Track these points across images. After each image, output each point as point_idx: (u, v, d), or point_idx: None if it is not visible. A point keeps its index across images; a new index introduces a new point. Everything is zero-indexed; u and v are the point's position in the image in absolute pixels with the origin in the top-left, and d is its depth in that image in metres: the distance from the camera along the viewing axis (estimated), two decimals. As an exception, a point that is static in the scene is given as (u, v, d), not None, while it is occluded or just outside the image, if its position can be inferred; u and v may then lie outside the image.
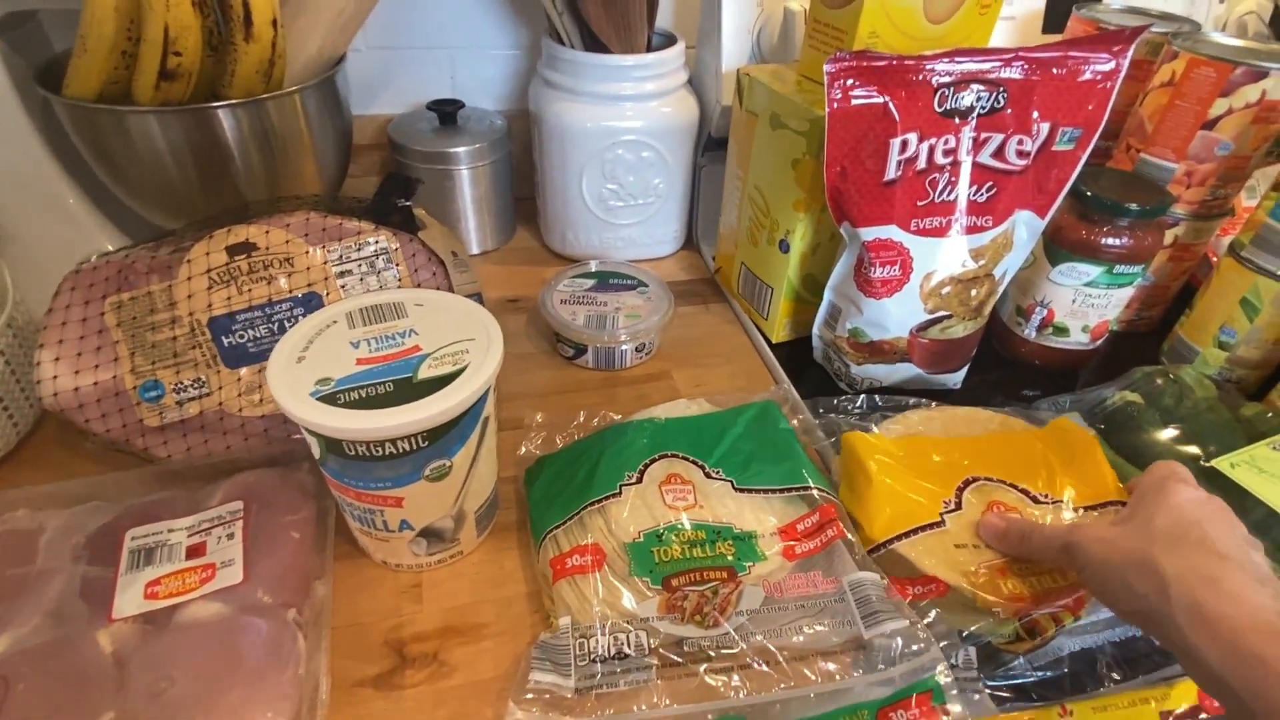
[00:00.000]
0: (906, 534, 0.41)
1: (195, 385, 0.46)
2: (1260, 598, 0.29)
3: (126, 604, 0.37)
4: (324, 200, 0.49)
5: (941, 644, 0.37)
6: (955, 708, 0.35)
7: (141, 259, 0.45)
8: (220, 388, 0.46)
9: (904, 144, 0.47)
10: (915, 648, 0.36)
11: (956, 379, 0.59)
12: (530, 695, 0.36)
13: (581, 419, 0.53)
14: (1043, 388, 0.61)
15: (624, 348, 0.60)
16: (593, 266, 0.66)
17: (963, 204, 0.49)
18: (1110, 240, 0.55)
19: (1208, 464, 0.47)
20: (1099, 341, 0.61)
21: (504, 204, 0.76)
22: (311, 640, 0.37)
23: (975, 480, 0.44)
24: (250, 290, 0.46)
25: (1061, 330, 0.59)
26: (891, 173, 0.48)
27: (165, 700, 0.33)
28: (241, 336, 0.46)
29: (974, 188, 0.49)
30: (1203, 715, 0.40)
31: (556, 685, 0.36)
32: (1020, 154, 0.48)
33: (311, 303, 0.47)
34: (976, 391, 0.61)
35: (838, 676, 0.36)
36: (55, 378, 0.44)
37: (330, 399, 0.36)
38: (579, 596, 0.40)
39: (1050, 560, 0.39)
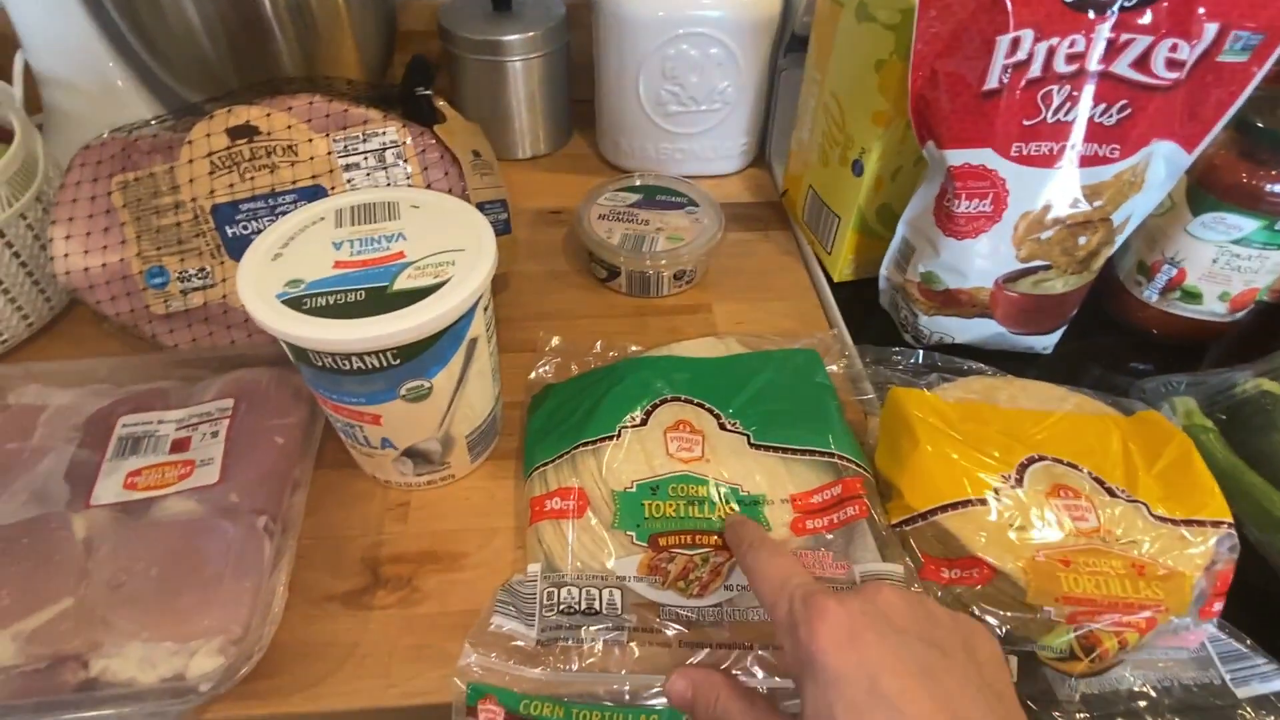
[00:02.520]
0: (954, 505, 0.35)
1: (200, 275, 0.44)
2: None
3: (105, 491, 0.37)
4: (335, 83, 0.45)
5: None
6: None
7: (144, 138, 0.42)
8: (224, 279, 0.44)
9: (1015, 43, 0.37)
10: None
11: (1048, 343, 0.50)
12: (489, 639, 0.34)
13: (599, 348, 0.48)
14: (1158, 363, 0.51)
15: (660, 273, 0.54)
16: (638, 180, 0.59)
17: (1082, 127, 0.39)
18: (1279, 187, 0.43)
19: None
20: (1240, 314, 0.49)
21: (559, 104, 0.70)
22: (277, 550, 0.36)
23: (1041, 459, 0.37)
24: (253, 178, 0.43)
25: (1192, 295, 0.49)
26: (994, 80, 0.38)
27: (122, 594, 0.33)
28: (245, 228, 0.44)
29: (1100, 107, 0.39)
30: None
31: (517, 632, 0.34)
32: (1171, 64, 0.37)
33: (316, 195, 0.44)
34: (1072, 360, 0.51)
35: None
36: (66, 256, 0.43)
37: (296, 303, 0.33)
38: (557, 540, 0.36)
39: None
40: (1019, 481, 0.36)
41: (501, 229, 0.49)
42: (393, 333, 0.32)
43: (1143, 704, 0.32)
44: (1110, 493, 0.36)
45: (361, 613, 0.37)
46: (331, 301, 0.33)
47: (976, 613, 0.33)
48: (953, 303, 0.47)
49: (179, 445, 0.39)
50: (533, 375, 0.47)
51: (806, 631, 0.25)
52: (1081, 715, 0.32)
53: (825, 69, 0.52)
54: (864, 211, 0.52)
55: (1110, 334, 0.54)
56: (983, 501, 0.35)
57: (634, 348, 0.48)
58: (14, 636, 0.31)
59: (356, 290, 0.33)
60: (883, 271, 0.51)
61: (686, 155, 0.66)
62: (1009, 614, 0.33)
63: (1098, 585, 0.32)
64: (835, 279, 0.56)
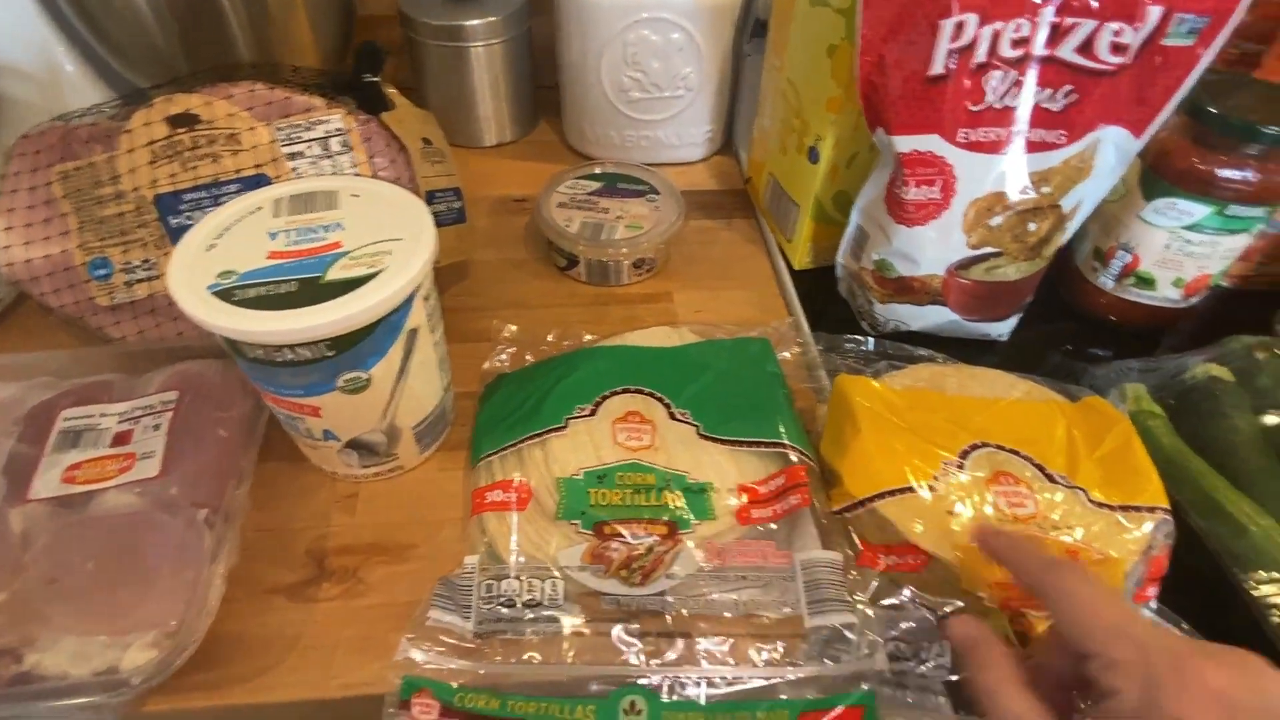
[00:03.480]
0: (892, 492, 0.35)
1: (144, 266, 0.44)
2: None
3: (44, 485, 0.36)
4: (280, 70, 0.44)
5: (913, 625, 0.32)
6: None
7: (83, 126, 0.42)
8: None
9: (959, 27, 0.37)
10: (857, 649, 0.31)
11: (1003, 329, 0.50)
12: (427, 633, 0.34)
13: (553, 338, 0.48)
14: (1115, 350, 0.52)
15: (620, 262, 0.53)
16: (598, 169, 0.59)
17: (1027, 113, 0.39)
18: (1230, 173, 0.43)
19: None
20: (1194, 299, 0.50)
21: (523, 90, 0.69)
22: (217, 542, 0.36)
23: (984, 445, 0.37)
24: (196, 167, 0.42)
25: (1146, 281, 0.49)
26: (939, 66, 0.38)
27: (57, 589, 0.33)
28: (189, 218, 0.43)
29: (1046, 92, 0.39)
30: None
31: (455, 625, 0.34)
32: (1116, 49, 0.37)
33: (260, 185, 0.43)
34: (1030, 347, 0.52)
35: (758, 664, 0.32)
36: (7, 247, 0.43)
37: (226, 294, 0.32)
38: (500, 533, 0.36)
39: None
40: (960, 468, 0.36)
41: (455, 217, 0.49)
42: (322, 324, 0.31)
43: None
44: (1050, 479, 0.36)
45: (306, 605, 0.37)
46: (263, 293, 0.32)
47: (914, 602, 0.34)
48: (906, 290, 0.47)
49: (120, 438, 0.39)
50: (486, 365, 0.47)
51: (1173, 698, 0.23)
52: None
53: (783, 55, 0.52)
54: (821, 199, 0.51)
55: (1069, 321, 0.54)
56: (921, 489, 0.35)
57: (588, 337, 0.48)
58: (-54, 632, 0.31)
59: (289, 281, 0.33)
60: (839, 259, 0.51)
61: (651, 142, 0.66)
62: (945, 600, 0.33)
63: None
64: (795, 266, 0.56)
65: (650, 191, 0.57)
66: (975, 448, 0.37)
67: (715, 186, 0.67)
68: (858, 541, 0.35)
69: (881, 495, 0.35)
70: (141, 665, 0.31)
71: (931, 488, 0.35)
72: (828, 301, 0.54)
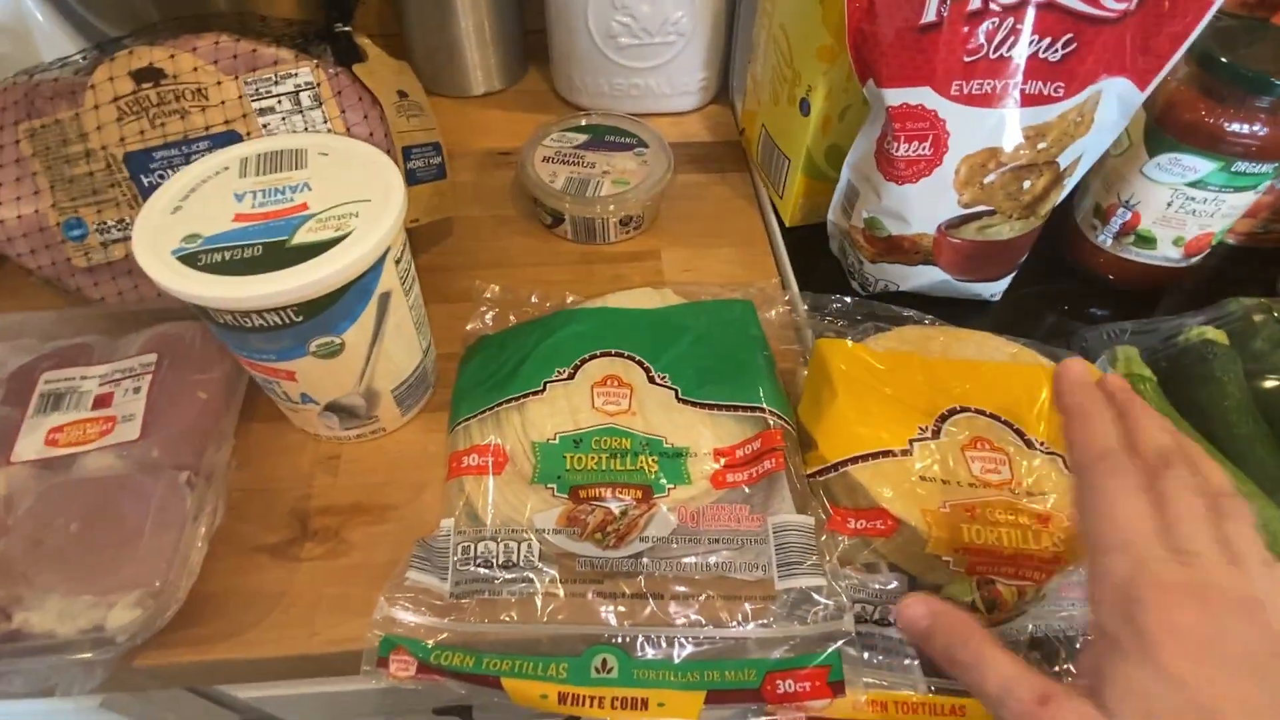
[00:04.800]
0: (866, 456, 0.35)
1: (119, 226, 0.43)
2: None
3: (26, 448, 0.37)
4: (248, 20, 0.42)
5: (887, 585, 0.33)
6: (857, 695, 0.30)
7: (46, 82, 0.40)
8: (145, 231, 0.43)
9: (953, -28, 0.35)
10: (825, 611, 0.31)
11: (996, 289, 0.49)
12: (405, 593, 0.34)
13: (536, 299, 0.47)
14: (1113, 310, 0.50)
15: (606, 219, 0.52)
16: (584, 120, 0.57)
17: (1023, 63, 0.37)
18: (1239, 126, 0.41)
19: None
20: (1195, 259, 0.48)
21: (511, 34, 0.67)
22: (199, 504, 0.36)
23: (963, 410, 0.37)
24: (164, 124, 0.41)
25: (1146, 240, 0.47)
26: (932, 13, 0.36)
27: (42, 550, 0.33)
28: (161, 177, 0.42)
29: (1045, 41, 0.36)
30: None
31: (433, 586, 0.34)
32: (1120, -7, 0.35)
33: (231, 142, 0.42)
34: (1023, 306, 0.51)
35: (730, 624, 0.32)
36: (-20, 207, 0.42)
37: (191, 259, 0.32)
38: (477, 494, 0.37)
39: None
40: (936, 433, 0.35)
41: (434, 174, 0.48)
42: (289, 289, 0.31)
43: (1040, 654, 0.32)
44: (1029, 444, 0.35)
45: (289, 564, 0.38)
46: (228, 257, 0.32)
47: (882, 567, 0.34)
48: (896, 249, 0.46)
49: (101, 401, 0.39)
50: (469, 326, 0.47)
51: (1155, 620, 0.22)
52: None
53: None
54: (812, 152, 0.50)
55: (1067, 280, 0.53)
56: (894, 453, 0.35)
57: (571, 298, 0.47)
58: (-66, 591, 0.32)
59: (254, 245, 0.32)
60: (829, 216, 0.50)
61: (642, 91, 0.64)
62: (917, 570, 0.33)
63: (999, 537, 0.32)
64: (787, 223, 0.55)
65: (639, 144, 0.56)
66: (954, 412, 0.36)
67: (709, 138, 0.65)
68: (828, 506, 0.35)
69: (855, 460, 0.34)
70: (126, 624, 0.32)
71: (905, 452, 0.34)
72: (819, 259, 0.53)
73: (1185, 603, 0.22)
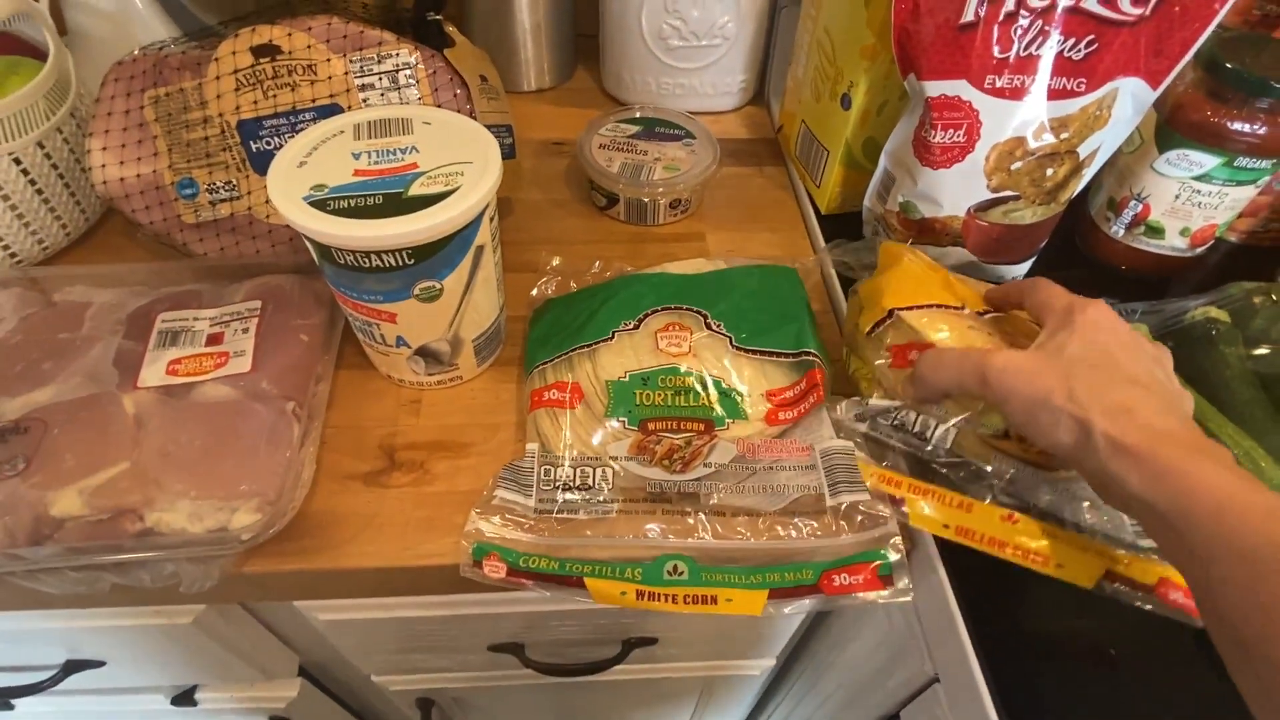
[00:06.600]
0: (922, 306, 0.40)
1: (226, 187, 0.48)
2: (1170, 422, 0.30)
3: (150, 376, 0.41)
4: (350, 6, 0.47)
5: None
6: (902, 583, 0.34)
7: (174, 54, 0.45)
8: (249, 192, 0.48)
9: (990, -23, 0.39)
10: (873, 519, 0.35)
11: (1018, 273, 0.53)
12: (493, 509, 0.38)
13: (597, 268, 0.52)
14: (1123, 297, 0.54)
15: (657, 201, 0.57)
16: (637, 113, 0.62)
17: (1050, 60, 0.42)
18: (1241, 125, 0.46)
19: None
20: (1200, 249, 0.53)
21: (564, 36, 0.72)
22: (304, 431, 0.40)
23: (1002, 313, 0.42)
24: (275, 96, 0.46)
25: (1155, 231, 0.52)
26: (970, 14, 0.41)
27: (171, 460, 0.37)
28: (269, 144, 0.47)
29: (1069, 41, 0.41)
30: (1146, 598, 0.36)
31: (517, 503, 0.38)
32: (1136, 0, 0.40)
33: (333, 114, 0.46)
34: (1041, 290, 0.55)
35: (791, 534, 0.36)
36: (104, 166, 0.47)
37: (321, 204, 0.36)
38: (553, 428, 0.41)
39: (972, 394, 0.36)
40: (981, 315, 0.41)
41: (506, 153, 0.52)
42: (408, 232, 0.35)
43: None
44: None
45: (379, 490, 0.42)
46: (352, 204, 0.36)
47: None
48: (928, 231, 0.50)
49: (214, 339, 0.43)
50: (534, 291, 0.51)
51: (1080, 318, 0.34)
52: (1007, 498, 0.36)
53: (819, 4, 0.54)
54: (851, 144, 0.54)
55: (1081, 268, 0.57)
56: (949, 309, 0.40)
57: (629, 268, 0.51)
58: (80, 491, 0.36)
59: (375, 195, 0.37)
60: (865, 203, 0.54)
61: (686, 90, 0.69)
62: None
63: None
64: (823, 211, 0.59)
65: (687, 136, 0.60)
66: (991, 312, 0.41)
67: (746, 135, 0.70)
68: (888, 349, 0.40)
69: (912, 308, 0.39)
70: (249, 524, 0.36)
71: (959, 309, 0.40)
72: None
73: (1100, 318, 0.34)
